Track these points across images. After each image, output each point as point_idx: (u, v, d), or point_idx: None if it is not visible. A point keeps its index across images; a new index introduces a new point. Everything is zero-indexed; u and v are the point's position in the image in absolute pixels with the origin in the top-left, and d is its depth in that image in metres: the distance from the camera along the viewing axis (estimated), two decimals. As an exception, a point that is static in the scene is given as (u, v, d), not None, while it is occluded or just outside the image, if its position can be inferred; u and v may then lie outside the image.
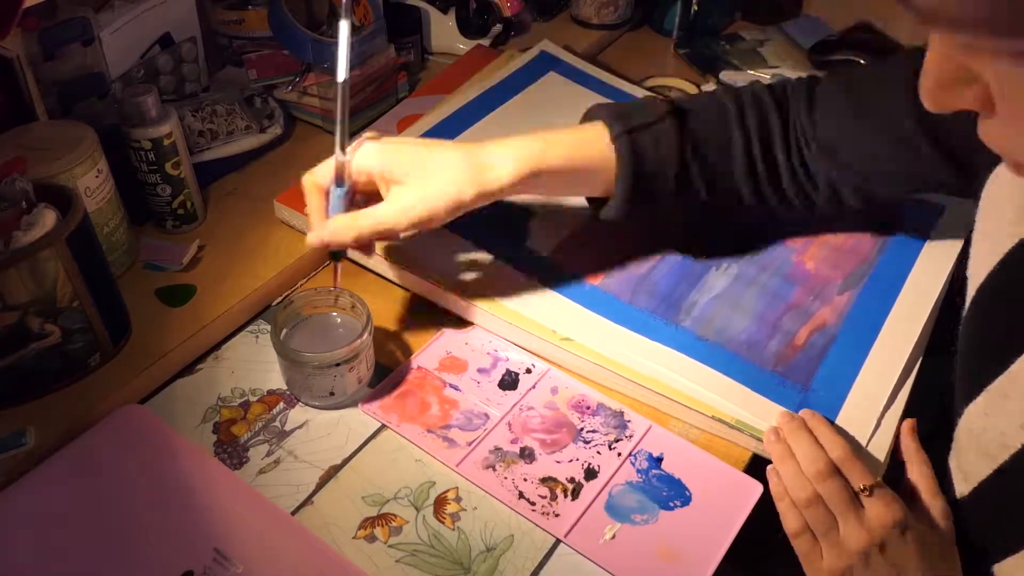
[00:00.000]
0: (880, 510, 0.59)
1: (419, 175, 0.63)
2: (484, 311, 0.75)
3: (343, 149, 0.64)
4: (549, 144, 0.68)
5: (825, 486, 0.60)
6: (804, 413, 0.65)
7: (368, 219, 0.64)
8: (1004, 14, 0.30)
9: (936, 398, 0.69)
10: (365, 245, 0.68)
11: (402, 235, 0.68)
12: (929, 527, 0.60)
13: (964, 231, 0.82)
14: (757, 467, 0.66)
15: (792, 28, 1.21)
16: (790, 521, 0.61)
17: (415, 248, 0.78)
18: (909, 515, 0.59)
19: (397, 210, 0.64)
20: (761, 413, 0.67)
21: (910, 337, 0.73)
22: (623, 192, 0.69)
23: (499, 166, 0.65)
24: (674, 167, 0.70)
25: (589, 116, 0.73)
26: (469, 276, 0.77)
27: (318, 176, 0.66)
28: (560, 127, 0.71)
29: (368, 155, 0.65)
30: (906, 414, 0.68)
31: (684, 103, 0.73)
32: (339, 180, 0.64)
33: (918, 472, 0.63)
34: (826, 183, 0.73)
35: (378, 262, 0.79)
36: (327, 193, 0.66)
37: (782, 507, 0.62)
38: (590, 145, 0.69)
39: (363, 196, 0.68)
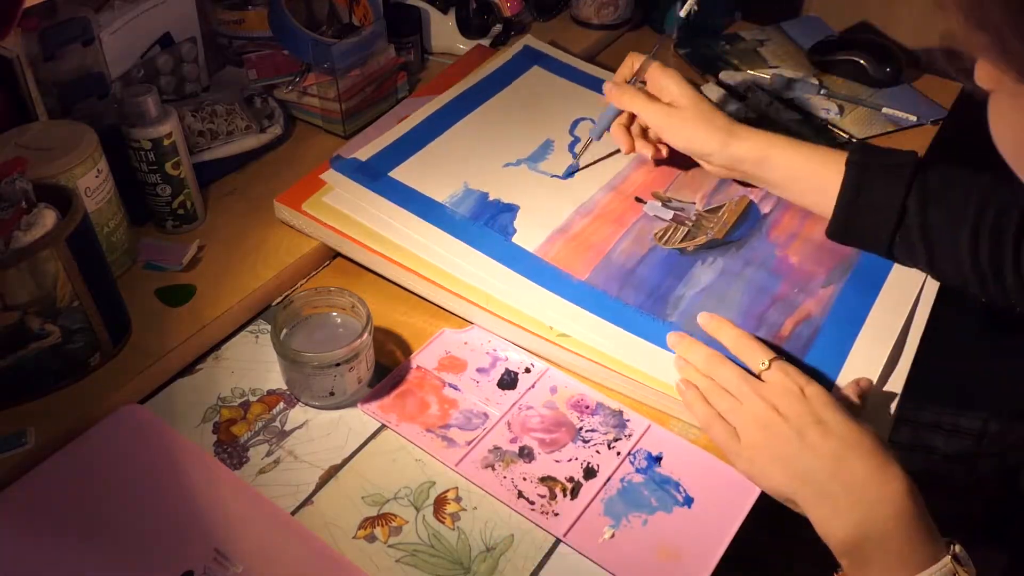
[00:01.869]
0: (779, 378, 0.64)
1: (693, 113, 0.81)
2: (481, 310, 0.75)
3: (653, 58, 0.86)
4: (790, 144, 0.79)
5: (718, 372, 0.66)
6: (700, 318, 0.72)
7: (642, 104, 0.84)
8: None
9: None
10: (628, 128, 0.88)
11: (639, 145, 0.87)
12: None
13: None
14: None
15: (792, 28, 1.21)
16: (699, 415, 0.66)
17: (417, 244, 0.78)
18: (807, 379, 0.64)
19: (663, 118, 0.83)
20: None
21: (895, 326, 0.74)
22: (837, 218, 0.76)
23: (742, 140, 0.80)
24: (893, 213, 0.73)
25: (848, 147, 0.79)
26: (464, 276, 0.77)
27: (635, 59, 0.88)
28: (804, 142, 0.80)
29: (669, 77, 0.83)
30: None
31: (935, 164, 0.74)
32: (639, 73, 0.87)
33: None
34: None
35: (378, 261, 0.79)
36: (631, 73, 0.88)
37: (694, 409, 0.66)
38: (826, 159, 0.77)
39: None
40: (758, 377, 0.65)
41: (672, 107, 0.83)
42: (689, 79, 1.08)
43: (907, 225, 0.73)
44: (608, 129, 0.88)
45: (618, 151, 0.90)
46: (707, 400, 0.66)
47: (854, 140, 0.99)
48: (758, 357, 0.66)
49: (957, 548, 0.55)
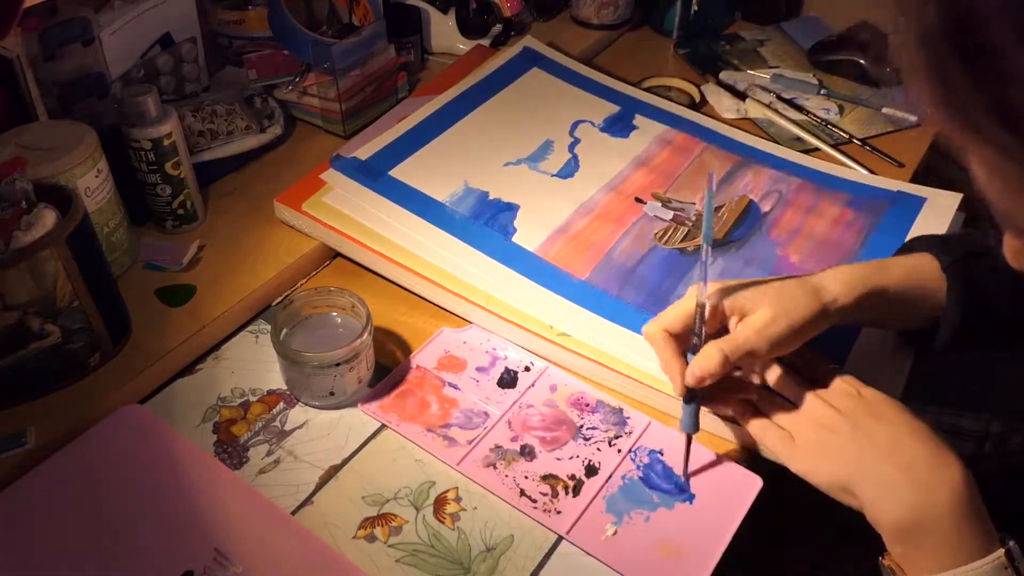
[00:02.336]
0: (834, 381, 0.62)
1: (766, 301, 0.64)
2: (481, 310, 0.75)
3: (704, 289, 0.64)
4: (881, 267, 0.69)
5: (772, 379, 0.64)
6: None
7: (730, 344, 0.63)
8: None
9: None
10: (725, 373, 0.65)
11: (762, 359, 0.66)
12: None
13: (945, 222, 0.82)
14: (756, 464, 0.66)
15: (792, 28, 1.21)
16: (752, 425, 0.64)
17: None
18: (863, 384, 0.62)
19: (757, 331, 0.63)
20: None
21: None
22: (951, 320, 0.68)
23: (834, 287, 0.66)
24: (1007, 296, 0.68)
25: (907, 248, 0.72)
26: (464, 275, 0.76)
27: (667, 321, 0.66)
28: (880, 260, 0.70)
29: (714, 296, 0.65)
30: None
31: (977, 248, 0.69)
32: (702, 319, 0.64)
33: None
34: None
35: (378, 261, 0.79)
36: (675, 340, 0.65)
37: (742, 421, 0.64)
38: (922, 271, 0.69)
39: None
40: (813, 385, 0.64)
41: (758, 320, 0.64)
42: (690, 79, 1.09)
43: None
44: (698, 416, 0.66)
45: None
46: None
47: (854, 140, 0.99)
48: (815, 365, 0.65)
49: (1012, 543, 0.54)
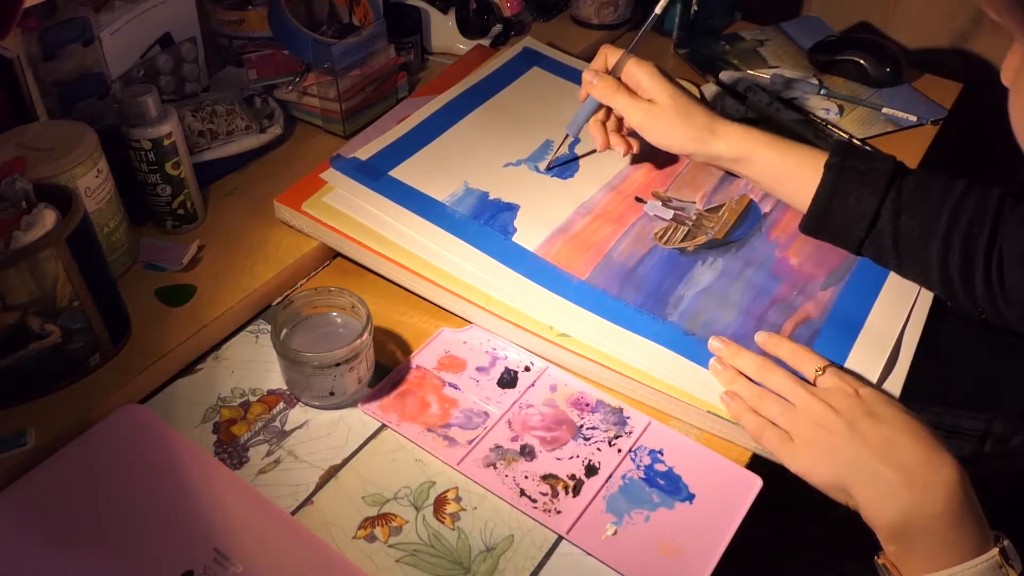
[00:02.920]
0: (832, 380, 0.64)
1: (671, 107, 0.80)
2: (481, 309, 0.75)
3: (633, 52, 0.83)
4: (770, 142, 0.79)
5: (771, 379, 0.65)
6: (758, 337, 0.71)
7: (622, 98, 0.82)
8: None
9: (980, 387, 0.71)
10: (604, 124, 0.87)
11: (613, 140, 0.86)
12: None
13: None
14: (756, 464, 0.66)
15: (792, 28, 1.21)
16: (750, 424, 0.64)
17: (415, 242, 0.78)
18: (861, 382, 0.64)
19: (641, 113, 0.81)
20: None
21: (894, 329, 0.74)
22: (812, 214, 0.77)
23: (723, 139, 0.79)
24: (866, 216, 0.74)
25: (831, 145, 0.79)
26: (463, 275, 0.76)
27: (610, 54, 0.84)
28: (785, 139, 0.80)
29: (645, 71, 0.81)
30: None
31: (914, 171, 0.76)
32: (616, 69, 0.83)
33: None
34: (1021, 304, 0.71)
35: (378, 261, 0.79)
36: (605, 67, 0.84)
37: (742, 420, 0.65)
38: (806, 159, 0.77)
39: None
40: (812, 383, 0.65)
41: (651, 104, 0.81)
42: (690, 79, 1.09)
43: (879, 229, 0.74)
44: (582, 126, 0.87)
45: (593, 151, 0.90)
46: (754, 409, 0.65)
47: (854, 140, 0.99)
48: (813, 364, 0.66)
49: (1006, 542, 0.55)
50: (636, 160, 0.91)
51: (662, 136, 0.81)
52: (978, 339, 1.09)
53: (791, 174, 0.78)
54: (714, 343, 0.70)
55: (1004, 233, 0.71)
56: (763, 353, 0.69)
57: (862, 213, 0.74)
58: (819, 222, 0.77)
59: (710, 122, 0.80)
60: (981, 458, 0.89)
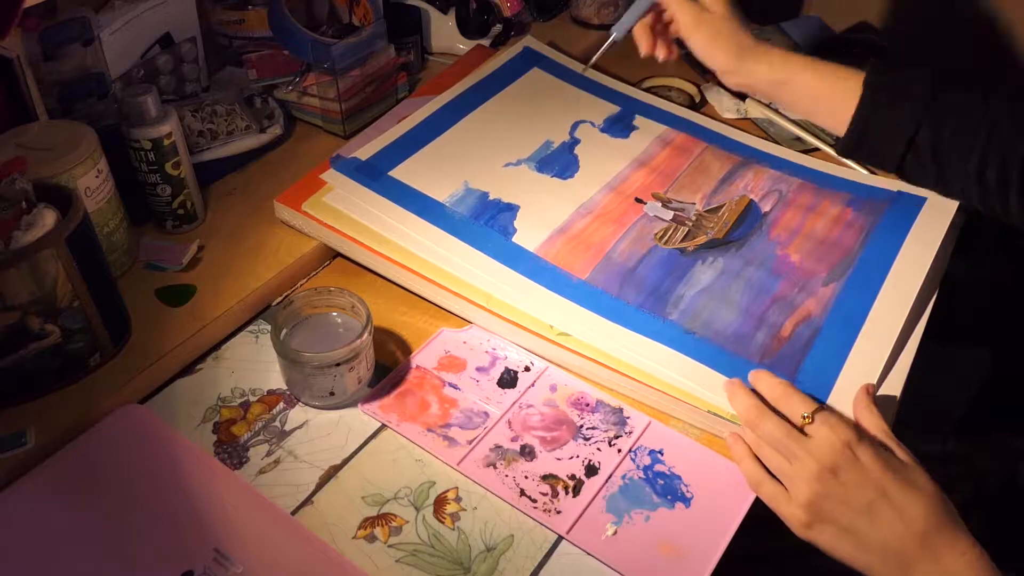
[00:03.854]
0: (824, 433, 0.60)
1: (720, 21, 0.82)
2: (481, 309, 0.75)
3: None
4: (812, 64, 0.79)
5: (761, 430, 0.63)
6: (751, 376, 0.67)
7: (684, 1, 0.83)
8: None
9: (972, 387, 0.71)
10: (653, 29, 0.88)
11: (661, 46, 0.88)
12: (882, 443, 0.61)
13: (945, 222, 0.82)
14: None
15: (792, 28, 1.21)
16: (747, 473, 0.64)
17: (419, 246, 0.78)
18: (856, 432, 0.60)
19: (691, 17, 0.82)
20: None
21: (894, 327, 0.73)
22: (851, 134, 0.78)
23: (758, 63, 0.81)
24: (905, 132, 0.75)
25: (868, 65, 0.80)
26: (463, 275, 0.76)
27: None
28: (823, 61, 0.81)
29: None
30: (925, 402, 0.69)
31: (953, 85, 0.76)
32: None
33: (867, 420, 0.64)
34: None
35: (378, 261, 0.79)
36: None
37: (741, 465, 0.64)
38: (845, 80, 0.78)
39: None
40: (802, 430, 0.62)
41: (704, 11, 0.83)
42: (690, 79, 1.09)
43: (918, 146, 0.75)
44: (632, 27, 0.88)
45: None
46: (755, 456, 0.63)
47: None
48: (799, 410, 0.62)
49: None
50: (639, 164, 0.91)
51: (707, 45, 0.83)
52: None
53: (830, 98, 0.79)
54: (727, 385, 0.67)
55: None
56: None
57: (902, 131, 0.75)
58: (859, 141, 0.78)
59: (755, 44, 0.82)
60: (951, 482, 0.88)
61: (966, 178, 0.75)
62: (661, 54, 0.87)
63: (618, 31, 0.88)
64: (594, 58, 0.91)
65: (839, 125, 0.80)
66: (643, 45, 0.87)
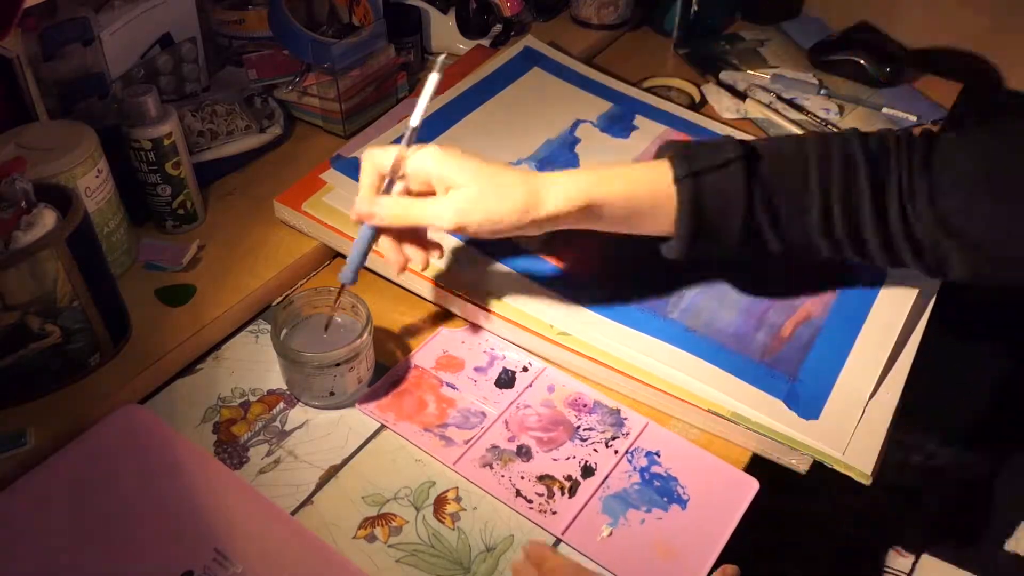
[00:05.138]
0: None
1: (478, 186, 0.63)
2: (481, 309, 0.75)
3: (407, 145, 0.65)
4: (607, 178, 0.65)
5: None
6: (529, 549, 0.61)
7: (419, 208, 0.64)
8: None
9: (986, 387, 0.68)
10: (399, 242, 0.68)
11: (431, 236, 0.69)
12: None
13: None
14: (757, 466, 0.66)
15: (792, 28, 1.21)
16: None
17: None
18: None
19: (450, 209, 0.63)
20: (753, 403, 0.67)
21: (894, 327, 0.74)
22: (682, 239, 0.66)
23: (553, 195, 0.64)
24: (739, 218, 0.65)
25: (660, 153, 0.69)
26: (463, 275, 0.77)
27: (378, 158, 0.66)
28: (621, 163, 0.69)
29: (431, 157, 0.64)
30: (933, 404, 0.66)
31: (761, 146, 0.67)
32: (394, 171, 0.65)
33: None
34: (934, 254, 0.65)
35: (378, 261, 0.79)
36: (381, 178, 0.66)
37: None
38: (653, 184, 0.65)
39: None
40: None
41: (454, 193, 0.64)
42: (690, 79, 1.09)
43: (757, 222, 0.66)
44: (363, 265, 0.69)
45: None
46: None
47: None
48: None
49: None
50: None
51: (485, 223, 0.63)
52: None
53: (647, 202, 0.66)
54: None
55: (899, 185, 0.64)
56: None
57: (733, 216, 0.65)
58: (691, 244, 0.66)
59: (529, 181, 0.65)
60: (906, 469, 0.87)
61: (810, 239, 0.66)
62: (420, 264, 0.69)
63: (345, 278, 0.68)
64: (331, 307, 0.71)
65: (664, 229, 0.67)
66: (395, 266, 0.69)
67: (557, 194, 0.64)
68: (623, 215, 0.66)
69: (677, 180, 0.64)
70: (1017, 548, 0.78)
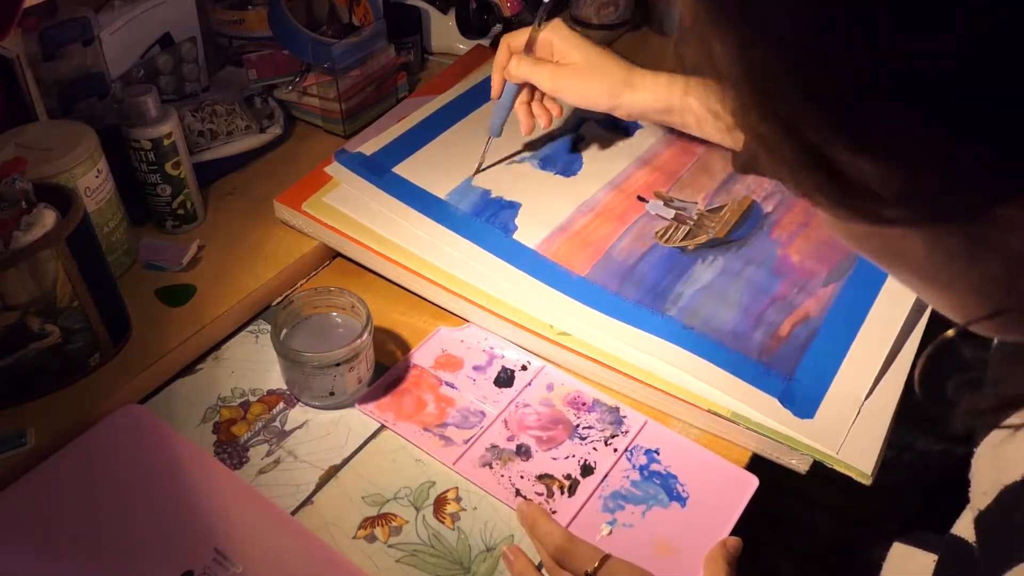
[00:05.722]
0: None
1: (578, 63, 0.78)
2: (480, 308, 0.75)
3: (538, 24, 0.81)
4: (695, 86, 0.69)
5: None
6: (521, 507, 0.62)
7: (532, 69, 0.80)
8: None
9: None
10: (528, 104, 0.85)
11: (537, 112, 0.84)
12: None
13: None
14: (757, 466, 0.66)
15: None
16: None
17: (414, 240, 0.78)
18: None
19: (550, 75, 0.79)
20: (749, 400, 0.67)
21: (892, 328, 0.73)
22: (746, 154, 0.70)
23: (640, 94, 0.77)
24: None
25: None
26: (460, 271, 0.77)
27: (513, 39, 0.82)
28: None
29: (554, 30, 0.79)
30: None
31: None
32: (528, 48, 0.81)
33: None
34: None
35: (378, 261, 0.79)
36: (509, 56, 0.82)
37: None
38: None
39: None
40: None
41: (560, 64, 0.80)
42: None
43: None
44: (504, 121, 0.85)
45: (516, 153, 0.90)
46: None
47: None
48: (579, 569, 0.57)
49: None
50: (641, 162, 0.91)
51: (577, 94, 0.80)
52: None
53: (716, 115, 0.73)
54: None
55: None
56: None
57: None
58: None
59: (628, 75, 0.78)
60: (899, 467, 0.86)
61: None
62: (543, 122, 0.84)
63: (492, 131, 0.86)
64: (482, 162, 0.87)
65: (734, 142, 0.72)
66: (524, 125, 0.84)
67: (646, 90, 0.77)
68: (695, 123, 0.77)
69: None
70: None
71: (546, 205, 0.84)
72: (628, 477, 0.65)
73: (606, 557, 0.57)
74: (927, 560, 0.53)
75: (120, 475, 0.64)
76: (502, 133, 0.86)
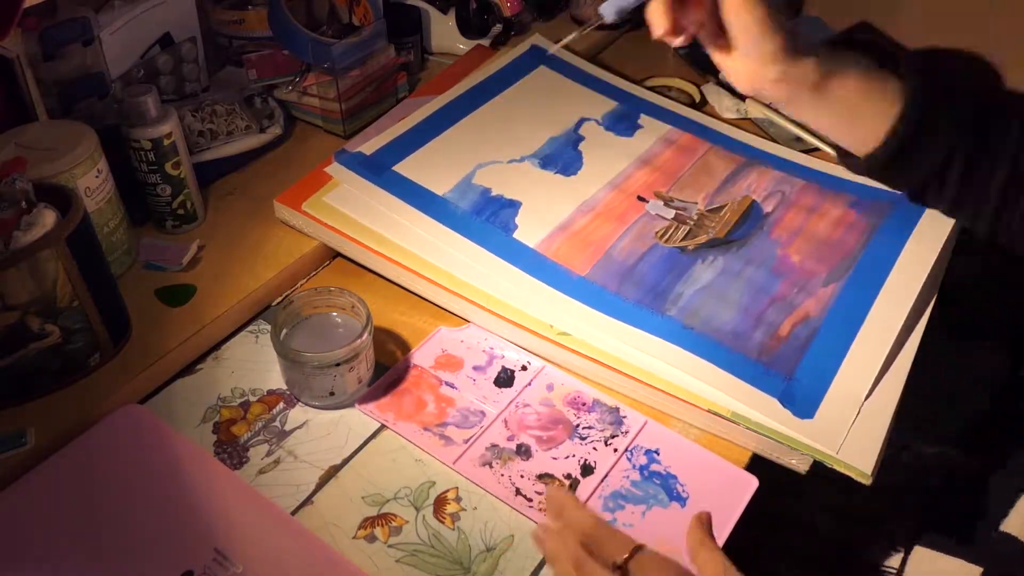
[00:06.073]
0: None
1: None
2: (479, 308, 0.75)
3: None
4: (854, 61, 0.65)
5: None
6: (549, 491, 0.61)
7: None
8: None
9: (984, 387, 0.67)
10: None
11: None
12: None
13: (948, 225, 0.82)
14: (757, 466, 0.66)
15: (792, 27, 1.20)
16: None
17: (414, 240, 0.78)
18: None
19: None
20: (748, 400, 0.67)
21: (892, 328, 0.74)
22: (887, 150, 0.62)
23: (812, 51, 0.65)
24: (940, 160, 0.62)
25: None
26: (460, 271, 0.77)
27: None
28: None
29: None
30: (939, 403, 0.66)
31: (1001, 96, 0.64)
32: None
33: (705, 557, 0.57)
34: None
35: (378, 261, 0.79)
36: None
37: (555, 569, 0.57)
38: (882, 88, 0.64)
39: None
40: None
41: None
42: (690, 79, 1.09)
43: (950, 172, 0.63)
44: (624, 9, 0.70)
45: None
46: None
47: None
48: (609, 558, 0.55)
49: None
50: (642, 162, 0.91)
51: (761, 23, 0.63)
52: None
53: (874, 100, 0.64)
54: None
55: None
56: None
57: (937, 155, 0.62)
58: (890, 161, 0.63)
59: (797, 31, 0.65)
60: (897, 467, 0.87)
61: (984, 204, 0.63)
62: (679, 39, 0.67)
63: (606, 11, 0.70)
64: (563, 41, 0.75)
65: (868, 137, 0.65)
66: (659, 26, 0.65)
67: (809, 57, 0.65)
68: (851, 104, 0.66)
69: (908, 103, 0.62)
70: (1009, 528, 0.77)
71: (546, 204, 0.84)
72: (628, 477, 0.65)
73: (638, 547, 0.54)
74: (950, 566, 0.52)
75: (120, 475, 0.64)
76: (617, 18, 0.70)
